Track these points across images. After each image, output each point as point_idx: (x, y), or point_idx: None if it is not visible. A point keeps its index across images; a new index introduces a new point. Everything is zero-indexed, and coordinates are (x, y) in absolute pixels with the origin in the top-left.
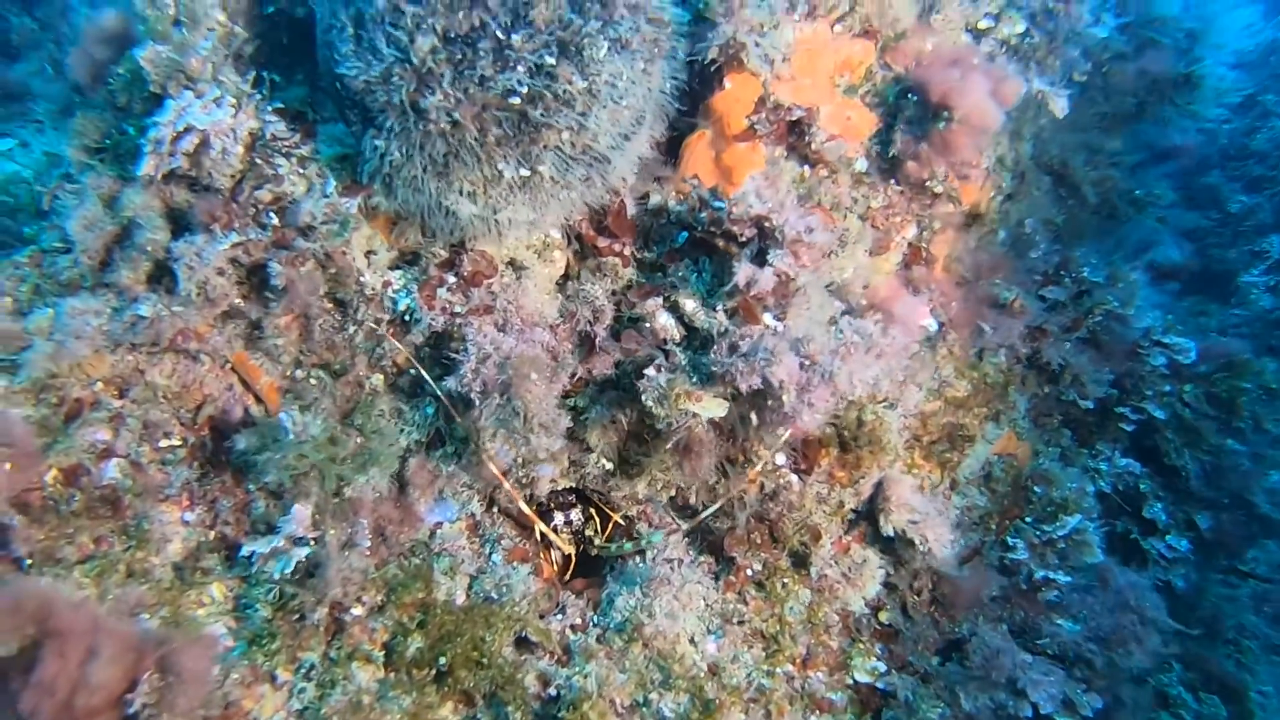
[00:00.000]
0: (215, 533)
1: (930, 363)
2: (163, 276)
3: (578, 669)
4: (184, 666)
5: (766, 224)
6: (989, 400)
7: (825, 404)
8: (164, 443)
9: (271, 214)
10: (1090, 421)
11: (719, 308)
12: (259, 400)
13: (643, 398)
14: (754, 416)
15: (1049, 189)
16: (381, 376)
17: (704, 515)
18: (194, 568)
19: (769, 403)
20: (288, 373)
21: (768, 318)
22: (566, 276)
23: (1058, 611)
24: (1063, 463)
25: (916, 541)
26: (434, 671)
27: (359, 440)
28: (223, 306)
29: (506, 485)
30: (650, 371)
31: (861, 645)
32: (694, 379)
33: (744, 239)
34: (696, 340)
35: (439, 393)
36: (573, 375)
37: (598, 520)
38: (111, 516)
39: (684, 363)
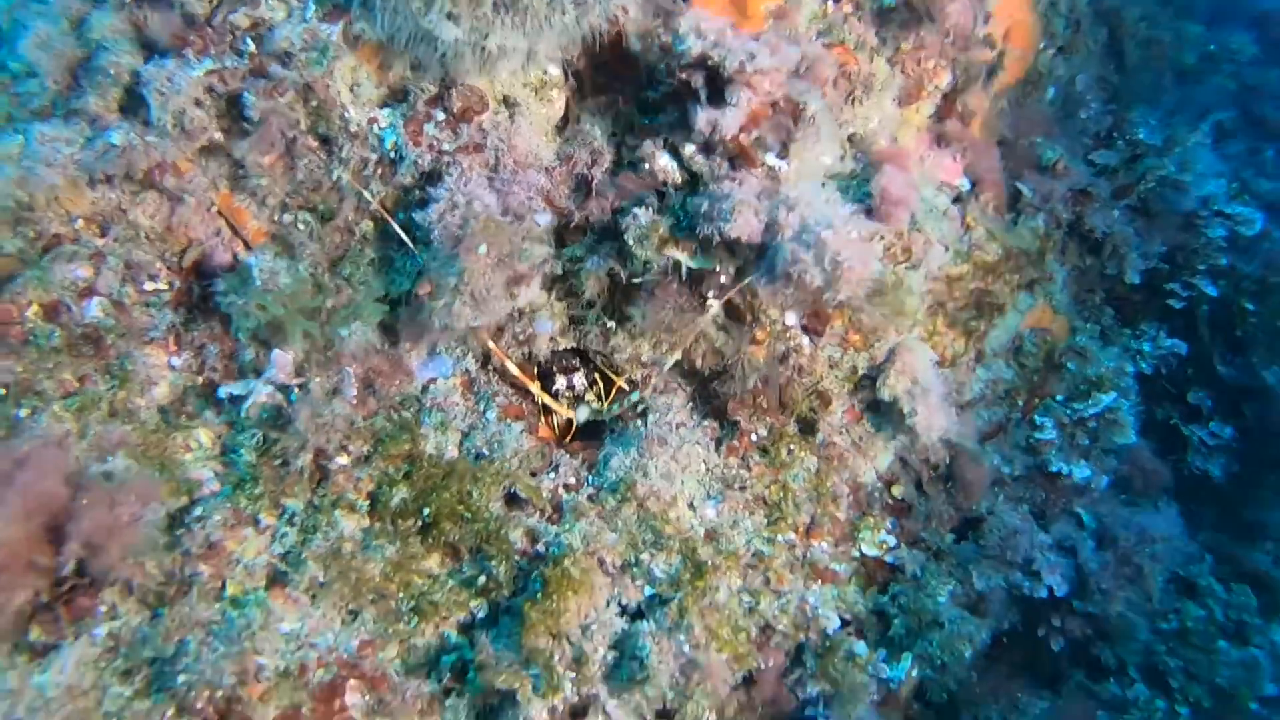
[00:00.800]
0: (203, 379)
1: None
2: (139, 108)
3: (567, 527)
4: (98, 525)
5: (709, 61)
6: (1022, 267)
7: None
8: (149, 285)
9: (249, 40)
10: (1136, 300)
11: (718, 150)
12: (248, 246)
13: (624, 236)
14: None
15: (1106, 42)
16: (371, 222)
17: (668, 363)
18: (180, 411)
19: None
20: (274, 216)
21: (769, 158)
22: (567, 120)
23: (1081, 496)
24: (1102, 341)
25: (906, 412)
26: (419, 523)
27: (348, 293)
28: (201, 140)
29: (494, 348)
30: (638, 210)
31: (871, 519)
32: (684, 224)
33: (695, 85)
34: (701, 185)
35: (406, 240)
36: (569, 223)
37: (602, 385)
38: (94, 355)
39: (676, 206)
